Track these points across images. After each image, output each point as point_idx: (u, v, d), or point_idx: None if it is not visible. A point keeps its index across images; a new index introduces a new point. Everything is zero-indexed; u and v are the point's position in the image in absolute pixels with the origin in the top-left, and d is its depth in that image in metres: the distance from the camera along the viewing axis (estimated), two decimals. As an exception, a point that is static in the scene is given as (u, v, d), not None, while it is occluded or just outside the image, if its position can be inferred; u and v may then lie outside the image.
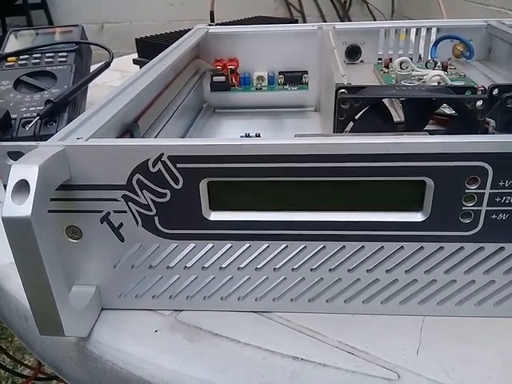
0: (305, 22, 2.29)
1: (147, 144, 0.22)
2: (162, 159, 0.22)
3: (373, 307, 0.25)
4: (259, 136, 0.35)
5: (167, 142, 0.22)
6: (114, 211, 0.24)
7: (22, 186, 0.20)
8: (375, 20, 2.30)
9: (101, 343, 0.25)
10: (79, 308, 0.25)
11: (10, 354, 0.92)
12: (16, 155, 0.22)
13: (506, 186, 0.22)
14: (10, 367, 0.89)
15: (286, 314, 0.26)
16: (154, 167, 0.23)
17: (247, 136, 0.35)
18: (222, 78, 0.51)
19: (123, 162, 0.23)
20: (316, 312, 0.26)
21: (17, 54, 0.49)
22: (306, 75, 0.52)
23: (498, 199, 0.22)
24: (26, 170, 0.20)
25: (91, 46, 0.54)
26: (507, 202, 0.22)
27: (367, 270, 0.25)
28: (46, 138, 0.39)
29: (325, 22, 2.32)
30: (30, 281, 0.21)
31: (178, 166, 0.22)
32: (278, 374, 0.23)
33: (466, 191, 0.22)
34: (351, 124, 0.31)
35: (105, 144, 0.23)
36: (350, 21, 2.34)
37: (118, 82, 0.67)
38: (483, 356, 0.23)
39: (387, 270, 0.24)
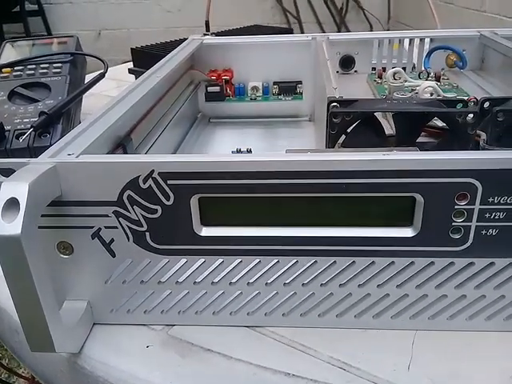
0: (301, 28, 2.31)
1: (138, 161, 0.22)
2: (153, 176, 0.22)
3: (365, 322, 0.25)
4: (250, 151, 0.35)
5: (158, 158, 0.22)
6: (105, 227, 0.24)
7: (12, 203, 0.20)
8: (371, 26, 2.32)
9: (92, 359, 0.25)
10: (71, 323, 0.25)
11: (6, 362, 0.92)
12: (7, 172, 0.22)
13: (496, 201, 0.22)
14: (6, 375, 0.89)
15: (278, 329, 0.26)
16: (144, 184, 0.23)
17: (238, 151, 0.35)
18: (217, 89, 0.51)
19: (114, 178, 0.23)
20: (308, 326, 0.26)
21: (11, 65, 0.49)
22: (300, 85, 0.52)
23: (487, 215, 0.22)
24: (16, 187, 0.20)
25: (86, 55, 0.54)
26: (497, 217, 0.22)
27: (359, 285, 0.25)
28: (39, 149, 0.40)
29: (321, 28, 2.34)
30: (20, 298, 0.21)
31: (169, 182, 0.23)
32: (269, 391, 0.23)
33: (456, 207, 0.22)
34: (344, 137, 0.31)
35: (95, 161, 0.23)
36: (347, 27, 2.36)
37: (113, 91, 0.67)
38: (475, 371, 0.23)
39: (378, 285, 0.24)
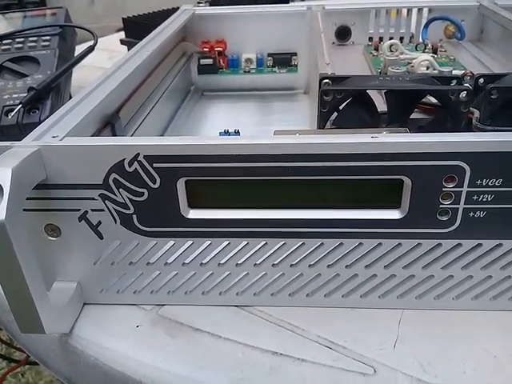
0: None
1: (122, 144, 0.22)
2: (138, 159, 0.22)
3: (352, 301, 0.26)
4: (238, 133, 0.35)
5: (143, 141, 0.22)
6: (92, 210, 0.24)
7: (-5, 189, 0.20)
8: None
9: (83, 338, 0.25)
10: (60, 304, 0.25)
11: (5, 338, 0.93)
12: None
13: (484, 184, 0.22)
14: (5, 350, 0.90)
15: (267, 308, 0.26)
16: (130, 167, 0.22)
17: (226, 133, 0.34)
18: (210, 61, 0.50)
19: (99, 161, 0.22)
20: (296, 306, 0.26)
21: (-1, 38, 0.48)
22: (295, 57, 0.51)
23: (475, 197, 0.22)
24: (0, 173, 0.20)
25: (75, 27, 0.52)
26: (484, 200, 0.22)
27: (346, 266, 0.25)
28: (29, 126, 0.39)
29: None
30: (7, 282, 0.21)
31: (155, 165, 0.22)
32: (256, 370, 0.23)
33: (444, 189, 0.22)
34: (336, 114, 0.31)
35: (79, 144, 0.22)
36: None
37: (105, 62, 0.66)
38: (459, 351, 0.23)
39: (366, 266, 0.25)
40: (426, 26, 0.49)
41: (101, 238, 0.24)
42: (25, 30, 0.49)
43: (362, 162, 0.22)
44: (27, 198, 0.22)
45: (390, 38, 0.52)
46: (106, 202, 0.23)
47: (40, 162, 0.22)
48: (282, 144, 0.21)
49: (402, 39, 0.53)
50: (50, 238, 0.25)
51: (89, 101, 0.28)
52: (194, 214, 0.24)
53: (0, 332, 0.93)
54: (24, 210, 0.22)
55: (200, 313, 0.26)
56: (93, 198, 0.23)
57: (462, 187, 0.22)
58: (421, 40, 0.50)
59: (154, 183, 0.23)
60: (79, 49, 0.53)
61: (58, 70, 0.44)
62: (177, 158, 0.22)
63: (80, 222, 0.24)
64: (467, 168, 0.21)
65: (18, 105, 0.40)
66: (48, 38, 0.48)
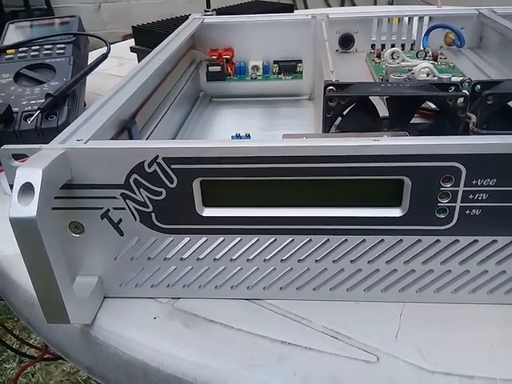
0: (306, 5, 2.27)
1: (143, 147, 0.24)
2: (158, 161, 0.24)
3: (356, 295, 0.27)
4: (249, 136, 0.37)
5: (162, 144, 0.24)
6: (114, 208, 0.25)
7: (27, 188, 0.21)
8: (376, 2, 2.29)
9: (104, 329, 0.27)
10: (83, 297, 0.27)
11: (16, 333, 0.95)
12: (20, 156, 0.24)
13: (479, 184, 0.23)
14: (17, 345, 0.92)
15: (276, 301, 0.28)
16: (149, 168, 0.24)
17: (238, 136, 0.36)
18: (218, 68, 0.52)
19: (121, 163, 0.24)
20: (303, 299, 0.28)
21: (16, 46, 0.50)
22: (300, 64, 0.53)
23: (471, 196, 0.24)
24: (31, 173, 0.22)
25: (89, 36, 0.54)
26: (480, 198, 0.24)
27: (351, 261, 0.26)
28: (47, 130, 0.41)
29: (327, 3, 2.31)
30: (37, 274, 0.23)
31: (173, 166, 0.24)
32: (267, 358, 0.25)
33: (441, 189, 0.24)
34: (340, 119, 0.32)
35: (103, 147, 0.24)
36: (353, 3, 2.33)
37: (116, 69, 0.68)
38: (457, 340, 0.25)
39: (369, 261, 0.26)
40: (427, 33, 0.51)
41: (121, 234, 0.26)
42: (41, 38, 0.50)
43: (365, 163, 0.23)
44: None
45: (392, 46, 0.54)
46: (127, 200, 0.25)
47: (66, 163, 0.24)
48: (291, 146, 0.23)
49: (403, 46, 0.55)
50: (74, 234, 0.26)
51: (108, 107, 0.30)
52: (208, 212, 0.26)
53: (13, 330, 0.95)
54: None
55: (213, 305, 0.28)
56: (114, 197, 0.25)
57: (459, 187, 0.24)
58: (422, 47, 0.52)
59: (172, 183, 0.24)
60: (91, 55, 0.55)
61: (73, 76, 0.46)
62: (193, 159, 0.24)
63: (102, 219, 0.26)
64: (463, 169, 0.23)
65: (36, 110, 0.42)
66: (63, 45, 0.50)
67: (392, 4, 2.32)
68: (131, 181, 0.25)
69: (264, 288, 0.28)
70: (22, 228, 0.21)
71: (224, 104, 0.54)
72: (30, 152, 0.24)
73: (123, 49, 0.73)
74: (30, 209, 0.21)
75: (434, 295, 0.27)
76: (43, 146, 0.24)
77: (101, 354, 0.27)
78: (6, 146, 0.24)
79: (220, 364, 0.25)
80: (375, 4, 2.35)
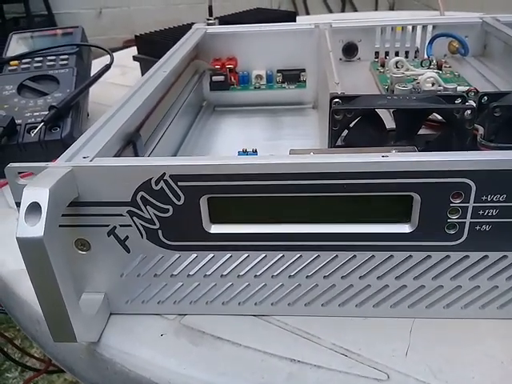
0: (306, 7, 2.28)
1: (150, 164, 0.24)
2: (164, 178, 0.24)
3: (365, 310, 0.27)
4: (256, 152, 0.36)
5: (169, 161, 0.24)
6: (120, 225, 0.25)
7: (35, 208, 0.21)
8: (377, 5, 2.30)
9: (110, 347, 0.27)
10: (89, 314, 0.26)
11: (18, 343, 0.95)
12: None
13: (489, 200, 0.23)
14: (19, 355, 0.92)
15: (284, 318, 0.28)
16: (156, 185, 0.24)
17: (244, 152, 0.36)
18: (221, 78, 0.52)
19: (127, 180, 0.24)
20: (312, 315, 0.27)
21: (19, 57, 0.50)
22: (303, 73, 0.53)
23: (481, 212, 0.24)
24: (38, 192, 0.22)
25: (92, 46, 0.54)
26: (490, 214, 0.24)
27: (360, 277, 0.26)
28: (50, 143, 0.41)
29: (327, 5, 2.32)
30: (44, 293, 0.23)
31: (180, 183, 0.24)
32: (276, 376, 0.24)
33: (451, 205, 0.23)
34: (346, 131, 0.32)
35: (109, 165, 0.24)
36: (354, 6, 2.34)
37: (118, 78, 0.68)
38: (468, 357, 0.25)
39: (378, 277, 0.26)
40: (431, 42, 0.51)
41: (128, 251, 0.26)
42: (44, 49, 0.50)
43: (374, 179, 0.23)
44: (60, 215, 0.24)
45: (396, 53, 0.54)
46: (134, 218, 0.25)
47: (73, 181, 0.24)
48: (299, 163, 0.23)
49: (407, 53, 0.55)
50: (80, 251, 0.26)
51: (113, 122, 0.30)
52: (215, 228, 0.25)
53: (15, 340, 0.95)
54: (58, 226, 0.23)
55: (220, 322, 0.28)
56: (121, 215, 0.25)
57: (469, 202, 0.23)
58: (426, 56, 0.52)
59: (179, 200, 0.24)
60: (94, 63, 0.55)
61: (76, 88, 0.46)
62: (200, 176, 0.24)
63: (109, 236, 0.25)
64: (473, 185, 0.23)
65: (39, 123, 0.42)
66: (66, 56, 0.50)
67: (393, 9, 2.32)
68: (138, 198, 0.24)
69: (272, 304, 0.27)
70: (29, 248, 0.21)
71: (227, 113, 0.54)
72: (36, 170, 0.24)
73: (125, 57, 0.73)
74: (37, 229, 0.21)
75: (444, 311, 0.27)
76: (49, 164, 0.24)
77: (107, 372, 0.27)
78: (12, 164, 0.24)
79: (228, 382, 0.24)
80: (376, 9, 2.35)
